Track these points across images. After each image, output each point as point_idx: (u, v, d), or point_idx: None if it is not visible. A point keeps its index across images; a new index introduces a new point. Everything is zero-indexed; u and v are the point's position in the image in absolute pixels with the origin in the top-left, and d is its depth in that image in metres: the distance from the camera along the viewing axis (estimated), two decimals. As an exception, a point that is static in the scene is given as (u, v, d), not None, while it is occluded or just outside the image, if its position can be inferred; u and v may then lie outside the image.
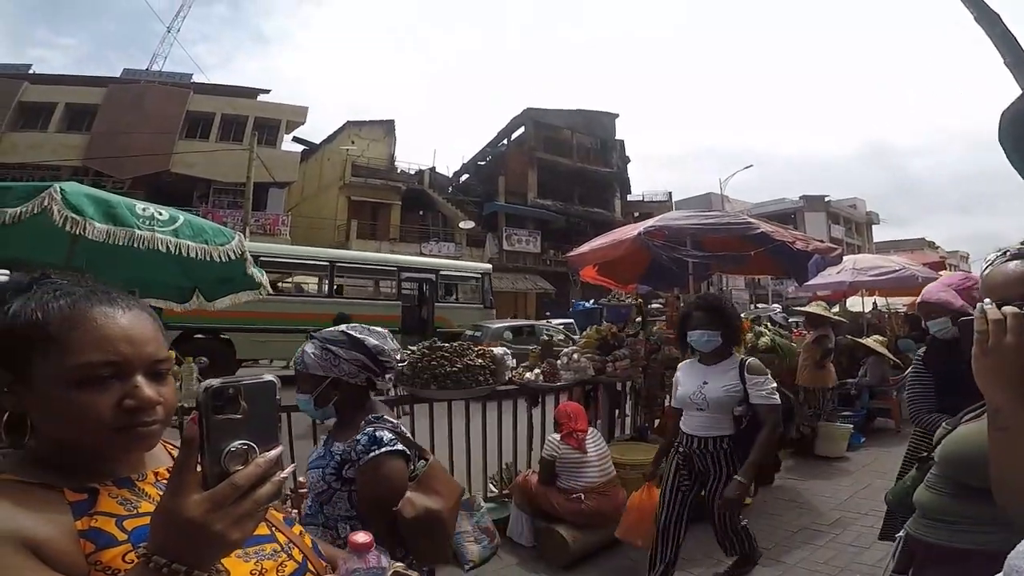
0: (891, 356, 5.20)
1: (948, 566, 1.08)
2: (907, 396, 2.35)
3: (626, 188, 29.61)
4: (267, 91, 23.60)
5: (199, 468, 0.52)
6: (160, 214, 2.70)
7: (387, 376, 1.56)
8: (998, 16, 3.60)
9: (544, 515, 3.19)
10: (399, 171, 25.39)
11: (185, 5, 29.83)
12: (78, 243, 2.57)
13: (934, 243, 37.61)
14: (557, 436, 3.23)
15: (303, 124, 23.47)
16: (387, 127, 25.87)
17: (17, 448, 0.65)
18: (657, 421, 4.45)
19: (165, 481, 0.69)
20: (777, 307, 15.49)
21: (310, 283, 11.72)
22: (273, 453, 0.55)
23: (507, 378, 3.66)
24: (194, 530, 0.50)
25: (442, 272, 12.93)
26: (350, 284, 11.88)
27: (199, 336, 9.30)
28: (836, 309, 6.50)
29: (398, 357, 1.57)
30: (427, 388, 3.22)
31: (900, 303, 8.00)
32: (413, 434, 3.28)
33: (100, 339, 0.62)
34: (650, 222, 4.17)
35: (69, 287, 0.65)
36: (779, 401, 2.51)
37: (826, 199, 37.67)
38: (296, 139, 24.18)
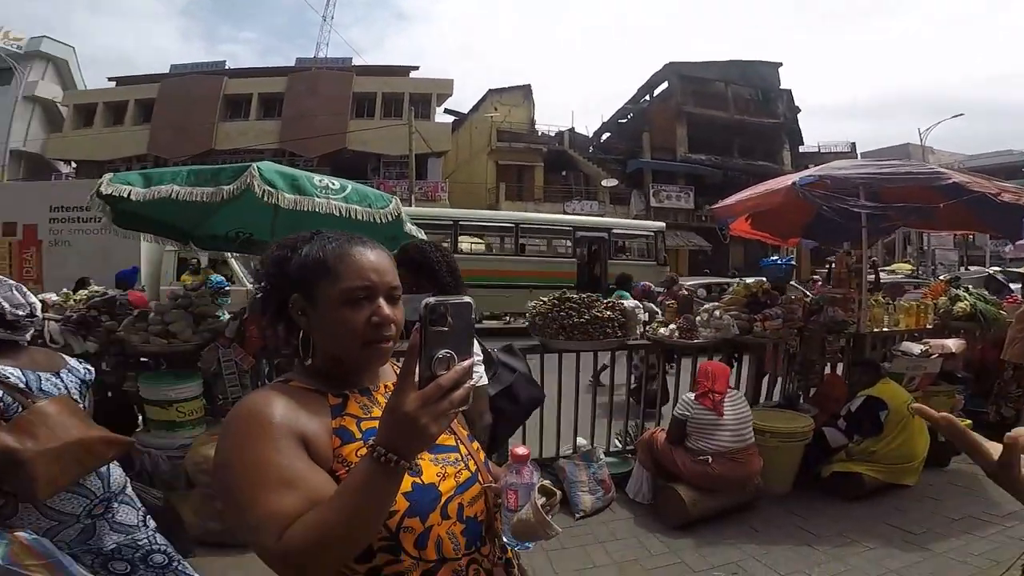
0: None
1: None
2: None
3: (796, 139, 26.80)
4: (416, 67, 25.40)
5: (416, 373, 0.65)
6: (332, 184, 3.18)
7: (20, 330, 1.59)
8: None
9: (666, 474, 3.16)
10: (540, 134, 25.95)
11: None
12: (279, 213, 3.16)
13: None
14: (692, 395, 3.16)
15: (451, 96, 25.07)
16: (525, 92, 26.47)
17: (304, 361, 0.86)
18: (814, 390, 4.12)
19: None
20: (996, 269, 12.65)
21: (504, 244, 12.92)
22: (468, 362, 0.66)
23: (639, 332, 3.62)
24: (408, 421, 0.62)
25: (614, 231, 13.63)
26: (531, 244, 12.95)
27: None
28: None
29: (29, 312, 1.60)
30: (556, 339, 3.31)
31: None
32: (542, 383, 3.46)
33: (358, 269, 0.81)
34: (809, 171, 3.71)
35: (336, 235, 0.86)
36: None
37: (1071, 149, 28.95)
38: (447, 111, 25.87)
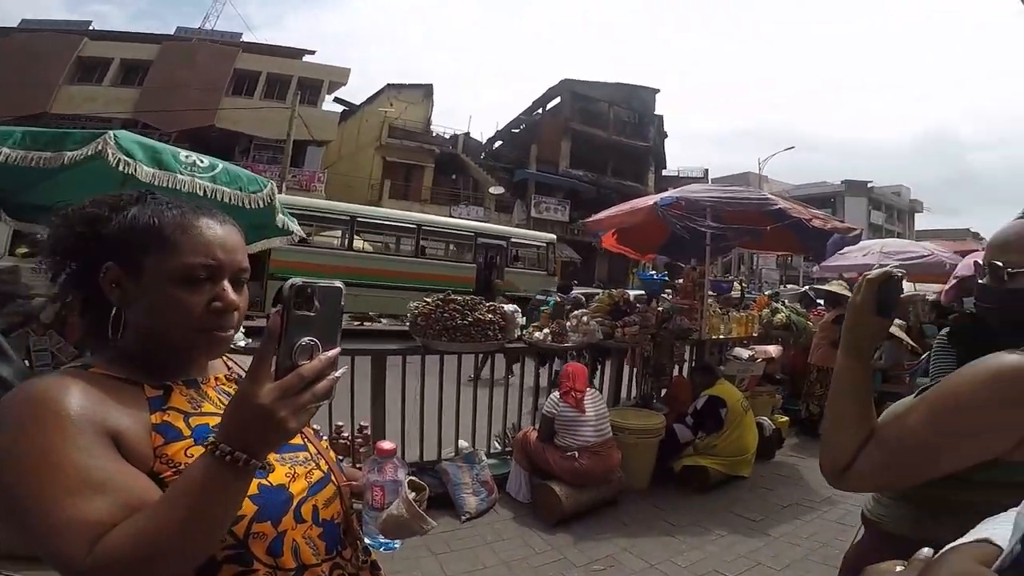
0: (910, 341, 5.13)
1: (868, 537, 1.10)
2: (931, 372, 2.33)
3: (661, 163, 29.17)
4: (312, 52, 24.03)
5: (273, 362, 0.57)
6: (201, 161, 2.89)
7: None
8: None
9: (541, 472, 3.29)
10: (434, 135, 25.68)
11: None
12: (127, 185, 2.80)
13: (978, 234, 35.68)
14: (557, 394, 3.33)
15: (344, 85, 24.05)
16: (426, 91, 26.01)
17: (105, 346, 0.72)
18: (664, 391, 4.54)
19: (224, 386, 0.81)
20: (805, 287, 15.19)
21: (400, 244, 12.60)
22: (333, 353, 0.60)
23: (516, 335, 3.77)
24: (263, 415, 0.55)
25: (513, 239, 13.84)
26: (433, 246, 12.85)
27: None
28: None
29: None
30: (438, 340, 3.31)
31: (931, 289, 7.79)
32: (422, 385, 3.47)
33: (203, 243, 0.71)
34: (668, 193, 4.19)
35: (177, 201, 0.74)
36: None
37: (869, 185, 36.19)
38: (337, 99, 24.71)
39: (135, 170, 2.48)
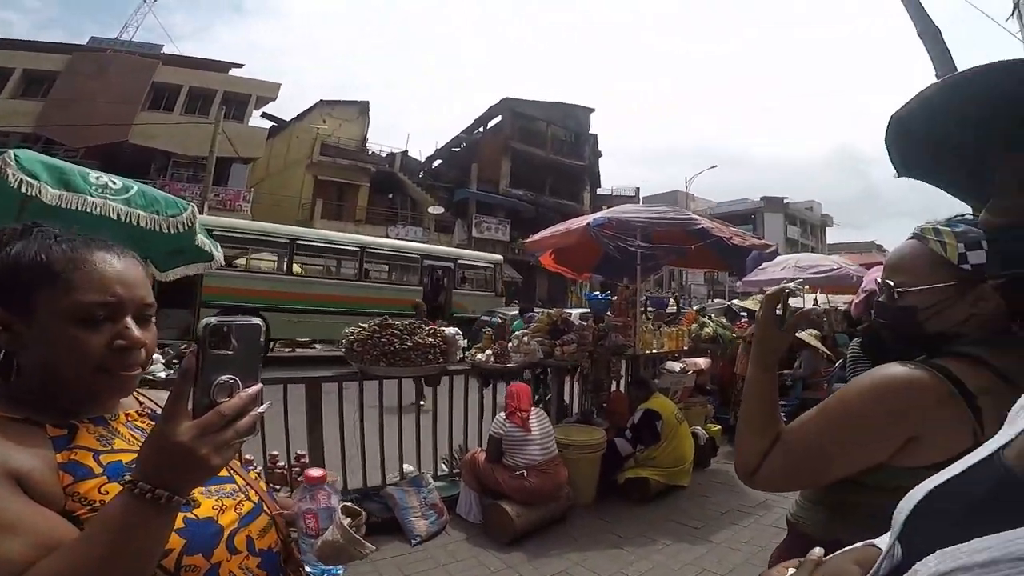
0: (825, 350, 5.55)
1: (789, 539, 1.16)
2: (848, 379, 2.46)
3: (596, 182, 29.88)
4: (240, 65, 23.13)
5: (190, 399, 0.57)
6: (114, 183, 2.72)
7: None
8: (939, 32, 3.70)
9: (491, 492, 3.29)
10: (370, 153, 25.19)
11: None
12: (27, 208, 2.56)
13: (882, 246, 39.45)
14: (503, 415, 3.36)
15: (274, 100, 23.20)
16: (361, 108, 25.58)
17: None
18: (604, 406, 4.64)
19: (136, 422, 0.77)
20: (735, 302, 16.11)
21: (342, 267, 12.22)
22: (254, 389, 0.60)
23: (458, 358, 3.77)
24: (182, 453, 0.55)
25: (460, 261, 13.80)
26: (377, 269, 12.54)
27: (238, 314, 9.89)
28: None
29: None
30: (376, 365, 3.26)
31: (841, 300, 8.47)
32: (362, 413, 3.41)
33: (99, 280, 0.67)
34: (600, 214, 4.35)
35: (67, 234, 0.70)
36: None
37: (785, 201, 38.97)
38: (265, 115, 23.78)
39: (39, 192, 2.30)
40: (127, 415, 0.77)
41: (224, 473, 0.78)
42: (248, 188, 20.45)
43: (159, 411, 0.65)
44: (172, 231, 2.87)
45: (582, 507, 3.59)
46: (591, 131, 29.48)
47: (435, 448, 3.82)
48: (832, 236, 45.17)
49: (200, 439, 0.56)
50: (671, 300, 6.39)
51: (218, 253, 3.49)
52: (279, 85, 23.09)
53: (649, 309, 6.44)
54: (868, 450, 0.87)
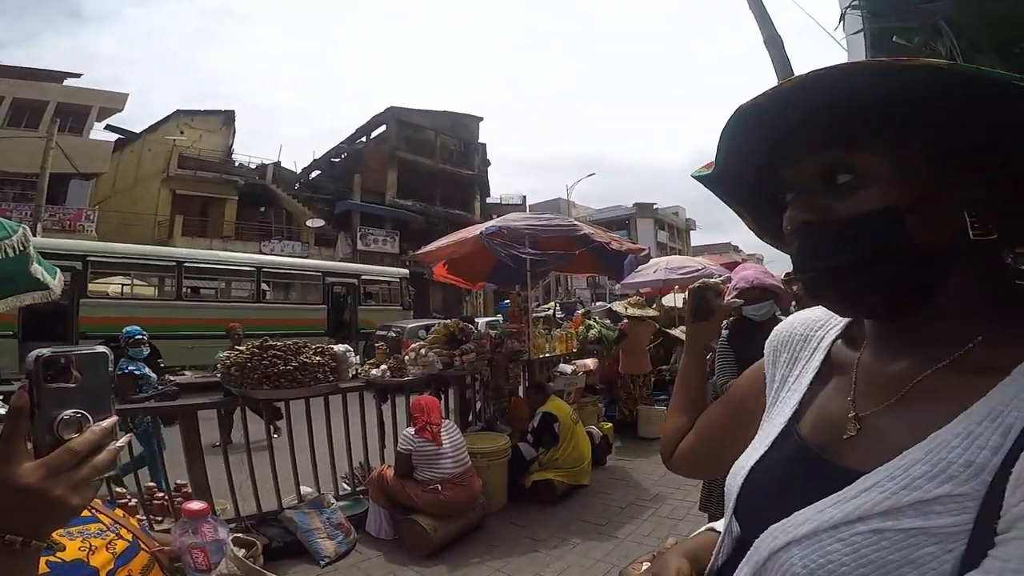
0: None
1: None
2: (717, 371, 2.54)
3: (486, 191, 30.09)
4: (77, 75, 20.23)
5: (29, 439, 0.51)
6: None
7: None
8: (781, 40, 3.92)
9: (402, 507, 3.23)
10: (237, 164, 23.29)
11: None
12: None
13: (738, 247, 44.60)
14: (411, 430, 3.29)
15: (120, 111, 20.56)
16: (226, 117, 23.70)
17: None
18: (506, 411, 4.66)
19: None
20: (615, 304, 17.14)
21: (237, 289, 11.61)
22: (108, 422, 0.55)
23: (351, 375, 3.64)
24: (32, 497, 0.50)
25: (363, 276, 13.51)
26: (276, 289, 12.11)
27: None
28: (654, 304, 7.48)
29: None
30: (259, 388, 3.08)
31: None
32: (247, 438, 3.18)
33: None
34: (491, 223, 4.44)
35: None
36: None
37: (654, 207, 42.54)
38: (110, 127, 20.96)
39: None
40: None
41: (86, 513, 0.72)
42: (91, 206, 17.96)
43: None
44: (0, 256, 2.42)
45: (495, 514, 3.63)
46: (480, 140, 29.67)
47: (333, 468, 3.69)
48: (696, 239, 49.84)
49: (51, 479, 0.50)
50: (579, 304, 6.70)
51: (55, 281, 3.00)
52: (126, 95, 20.56)
53: (559, 316, 6.66)
54: (740, 435, 0.85)
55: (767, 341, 0.70)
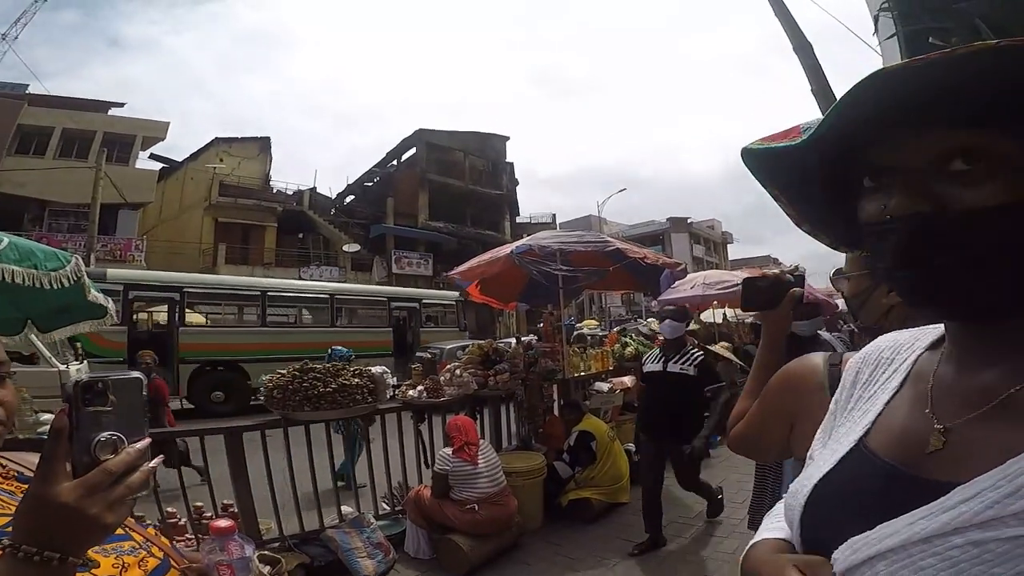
0: (738, 361, 5.89)
1: None
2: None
3: (515, 210, 30.27)
4: (120, 104, 21.51)
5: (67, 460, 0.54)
6: (-20, 238, 2.43)
7: None
8: (811, 47, 3.94)
9: (440, 527, 3.26)
10: (275, 191, 24.18)
11: (27, 13, 25.66)
12: None
13: (778, 259, 43.39)
14: (449, 450, 3.32)
15: (163, 140, 21.54)
16: (262, 144, 24.59)
17: None
18: (540, 430, 4.67)
19: (2, 485, 0.71)
20: (649, 320, 16.90)
21: (313, 314, 12.67)
22: (142, 444, 0.59)
23: (389, 396, 3.68)
24: (68, 514, 0.52)
25: (424, 300, 14.44)
26: (347, 314, 12.89)
27: (220, 368, 10.18)
28: (692, 320, 7.31)
29: None
30: (300, 410, 3.15)
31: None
32: (290, 459, 3.24)
33: None
34: (522, 241, 4.47)
35: None
36: None
37: (688, 221, 41.92)
38: (154, 156, 22.07)
39: None
40: None
41: (120, 531, 0.73)
42: (140, 236, 18.87)
43: (28, 473, 0.60)
44: (55, 286, 2.58)
45: (531, 533, 3.60)
46: (508, 159, 29.91)
47: (373, 488, 3.73)
48: (733, 252, 48.81)
49: (88, 498, 0.53)
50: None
51: (110, 306, 3.18)
52: (167, 124, 21.56)
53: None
54: (768, 427, 0.94)
55: (851, 360, 0.66)
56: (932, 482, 0.43)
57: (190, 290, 10.50)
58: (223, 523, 0.85)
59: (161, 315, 10.77)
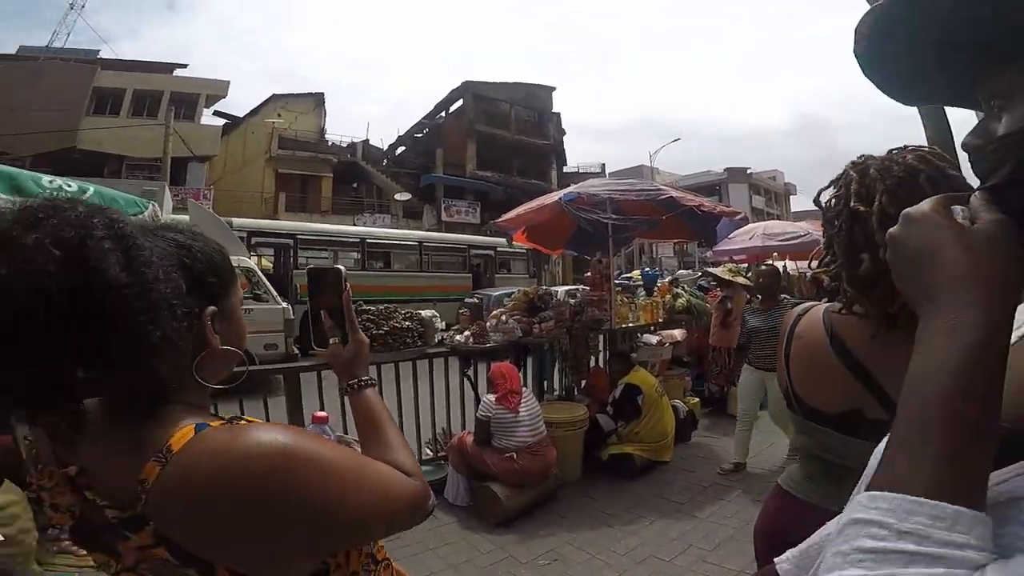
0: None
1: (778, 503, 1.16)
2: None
3: (562, 160, 29.76)
4: (184, 65, 22.75)
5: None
6: (68, 186, 2.61)
7: None
8: None
9: (479, 475, 3.28)
10: (330, 143, 24.84)
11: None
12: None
13: (845, 211, 40.16)
14: (492, 397, 3.31)
15: (224, 97, 22.71)
16: (316, 99, 25.15)
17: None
18: (584, 381, 4.64)
19: None
20: (692, 272, 16.39)
21: (404, 261, 13.68)
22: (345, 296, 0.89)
23: (437, 340, 3.74)
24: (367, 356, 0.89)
25: (498, 248, 14.77)
26: (433, 260, 13.96)
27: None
28: (750, 273, 6.98)
29: None
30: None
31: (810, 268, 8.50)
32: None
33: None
34: (570, 189, 4.33)
35: (169, 226, 0.72)
36: None
37: (748, 171, 39.55)
38: (217, 113, 23.10)
39: (-7, 200, 2.17)
40: None
41: None
42: (208, 186, 19.98)
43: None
44: (135, 232, 2.75)
45: (568, 485, 3.60)
46: (554, 110, 29.29)
47: (418, 433, 3.77)
48: (796, 204, 46.02)
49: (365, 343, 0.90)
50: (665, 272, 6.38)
51: None
52: (228, 83, 22.71)
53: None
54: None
55: None
56: None
57: (302, 237, 11.47)
58: (321, 413, 1.00)
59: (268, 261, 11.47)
